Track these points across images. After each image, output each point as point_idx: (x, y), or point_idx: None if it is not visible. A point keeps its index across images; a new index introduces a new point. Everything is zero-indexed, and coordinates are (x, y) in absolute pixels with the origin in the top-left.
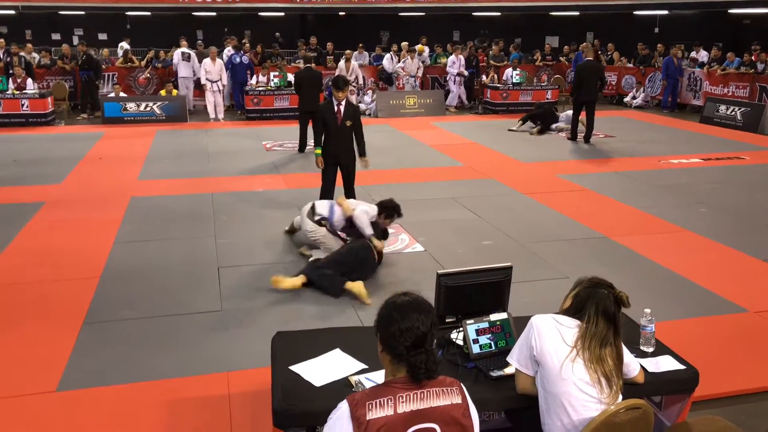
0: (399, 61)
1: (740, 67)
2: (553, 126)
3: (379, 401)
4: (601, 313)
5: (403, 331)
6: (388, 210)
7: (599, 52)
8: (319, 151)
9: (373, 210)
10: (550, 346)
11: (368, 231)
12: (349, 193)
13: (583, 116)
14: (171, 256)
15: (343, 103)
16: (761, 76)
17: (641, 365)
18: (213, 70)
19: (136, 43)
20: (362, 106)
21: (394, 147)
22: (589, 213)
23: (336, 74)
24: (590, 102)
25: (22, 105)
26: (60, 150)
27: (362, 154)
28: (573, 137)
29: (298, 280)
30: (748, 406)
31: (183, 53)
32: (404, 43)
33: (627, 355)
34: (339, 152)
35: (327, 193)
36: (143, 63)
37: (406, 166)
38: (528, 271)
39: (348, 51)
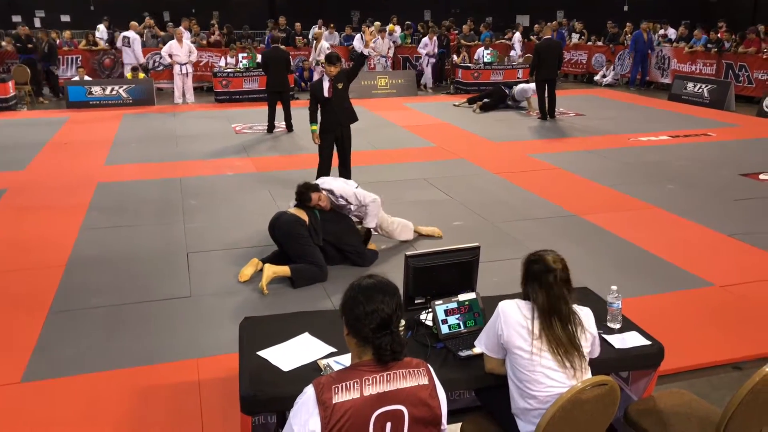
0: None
1: (707, 45)
2: (513, 102)
3: (345, 384)
4: (536, 283)
5: (368, 313)
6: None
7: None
8: (315, 127)
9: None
10: (517, 336)
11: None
12: (345, 171)
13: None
14: (139, 242)
15: (334, 76)
16: (727, 53)
17: (607, 341)
18: (181, 52)
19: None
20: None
21: (365, 128)
22: (559, 192)
23: (311, 54)
24: (551, 80)
25: None
26: (23, 135)
27: (343, 111)
28: (543, 116)
29: (255, 262)
30: (713, 378)
31: (124, 38)
32: (376, 23)
33: (594, 334)
34: (335, 124)
35: (324, 167)
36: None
37: (378, 147)
38: (499, 251)
39: (317, 31)
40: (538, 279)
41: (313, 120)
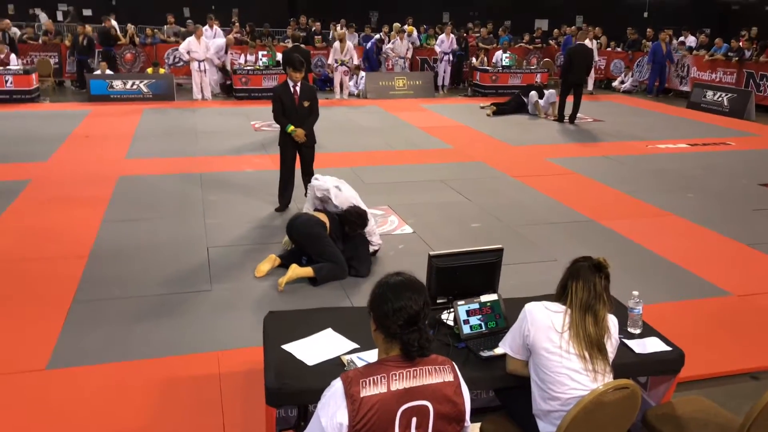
0: (388, 42)
1: (728, 53)
2: (534, 103)
3: (373, 379)
4: (581, 280)
5: (396, 310)
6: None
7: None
8: (291, 127)
9: (341, 190)
10: (544, 337)
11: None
12: (308, 176)
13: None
14: (160, 235)
15: (299, 84)
16: (748, 62)
17: (628, 345)
18: (199, 49)
19: (122, 20)
20: (352, 89)
21: (383, 128)
22: (577, 196)
23: (331, 54)
24: (578, 84)
25: (6, 81)
26: (45, 127)
27: (306, 128)
28: (560, 119)
29: (273, 258)
30: (730, 387)
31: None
32: (395, 24)
33: (617, 341)
34: (290, 139)
35: (287, 177)
36: (126, 40)
37: (395, 148)
38: (516, 254)
39: (341, 31)
40: (583, 276)
41: (286, 122)
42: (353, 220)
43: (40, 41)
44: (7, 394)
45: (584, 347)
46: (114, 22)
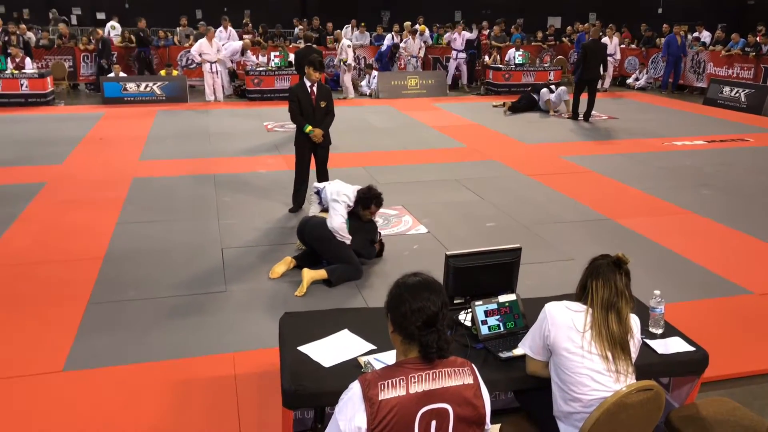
0: (401, 42)
1: (744, 48)
2: (544, 104)
3: (391, 381)
4: (601, 278)
5: (414, 311)
6: (363, 201)
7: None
8: (309, 127)
9: (351, 195)
10: (565, 337)
11: (347, 240)
12: (322, 176)
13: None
14: (174, 237)
15: (316, 84)
16: (765, 57)
17: (650, 346)
18: (211, 51)
19: (134, 23)
20: (364, 89)
21: (396, 128)
22: (592, 195)
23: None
24: (593, 81)
25: (21, 85)
26: (60, 130)
27: (324, 128)
28: (574, 116)
29: (288, 261)
30: (755, 387)
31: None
32: (407, 23)
33: (640, 341)
34: (307, 140)
35: (302, 177)
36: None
37: (408, 148)
38: (532, 253)
39: (337, 31)
40: (603, 274)
41: (304, 122)
42: (371, 197)
43: (55, 45)
44: (24, 395)
45: (607, 347)
46: (117, 25)
